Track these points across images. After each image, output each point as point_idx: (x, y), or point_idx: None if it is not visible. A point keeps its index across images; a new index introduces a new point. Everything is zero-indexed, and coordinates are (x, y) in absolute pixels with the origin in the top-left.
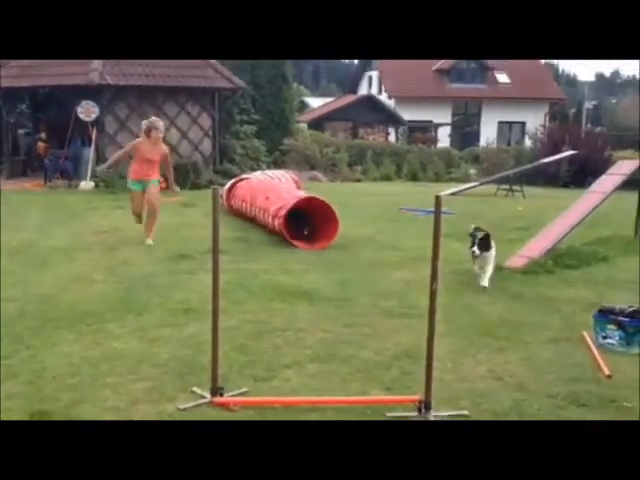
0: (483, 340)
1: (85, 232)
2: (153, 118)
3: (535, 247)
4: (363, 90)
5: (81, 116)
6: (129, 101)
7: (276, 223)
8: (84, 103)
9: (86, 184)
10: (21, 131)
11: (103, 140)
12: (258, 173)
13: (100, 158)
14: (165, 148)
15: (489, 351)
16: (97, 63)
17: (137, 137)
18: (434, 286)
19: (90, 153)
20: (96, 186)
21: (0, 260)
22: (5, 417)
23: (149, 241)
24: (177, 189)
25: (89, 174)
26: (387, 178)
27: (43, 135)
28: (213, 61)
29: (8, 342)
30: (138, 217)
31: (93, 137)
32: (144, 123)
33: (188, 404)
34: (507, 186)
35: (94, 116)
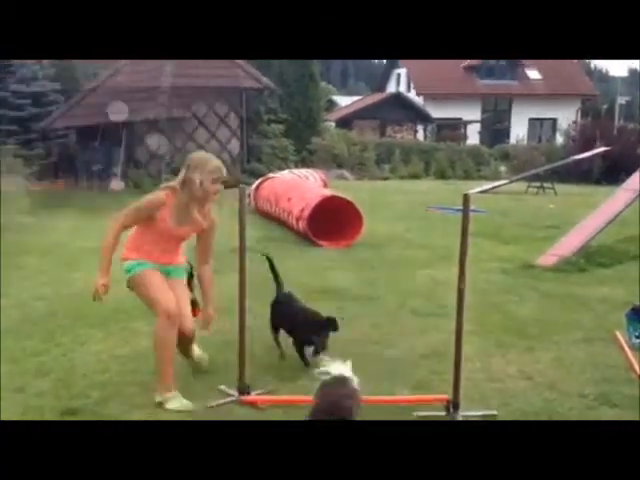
0: (513, 339)
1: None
2: (214, 160)
3: (566, 245)
4: (391, 88)
5: (111, 117)
6: (158, 101)
7: (300, 225)
8: (114, 104)
9: (116, 184)
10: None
11: (132, 140)
12: (286, 172)
13: (130, 158)
14: (213, 217)
15: (519, 351)
16: (124, 63)
17: (166, 138)
18: (461, 285)
19: (120, 153)
20: (126, 186)
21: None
22: (36, 415)
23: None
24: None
25: (119, 174)
26: (415, 176)
27: (74, 136)
28: (241, 61)
29: (40, 340)
30: (174, 318)
31: (123, 138)
32: (192, 159)
33: (216, 402)
34: (538, 183)
35: (124, 117)
